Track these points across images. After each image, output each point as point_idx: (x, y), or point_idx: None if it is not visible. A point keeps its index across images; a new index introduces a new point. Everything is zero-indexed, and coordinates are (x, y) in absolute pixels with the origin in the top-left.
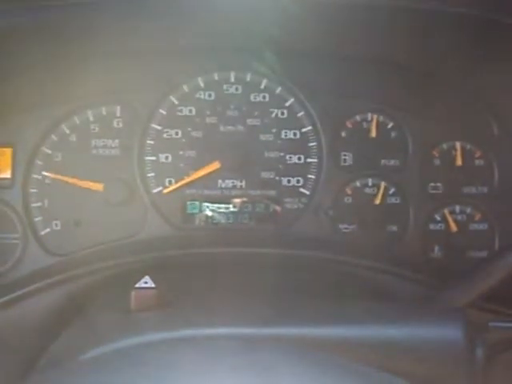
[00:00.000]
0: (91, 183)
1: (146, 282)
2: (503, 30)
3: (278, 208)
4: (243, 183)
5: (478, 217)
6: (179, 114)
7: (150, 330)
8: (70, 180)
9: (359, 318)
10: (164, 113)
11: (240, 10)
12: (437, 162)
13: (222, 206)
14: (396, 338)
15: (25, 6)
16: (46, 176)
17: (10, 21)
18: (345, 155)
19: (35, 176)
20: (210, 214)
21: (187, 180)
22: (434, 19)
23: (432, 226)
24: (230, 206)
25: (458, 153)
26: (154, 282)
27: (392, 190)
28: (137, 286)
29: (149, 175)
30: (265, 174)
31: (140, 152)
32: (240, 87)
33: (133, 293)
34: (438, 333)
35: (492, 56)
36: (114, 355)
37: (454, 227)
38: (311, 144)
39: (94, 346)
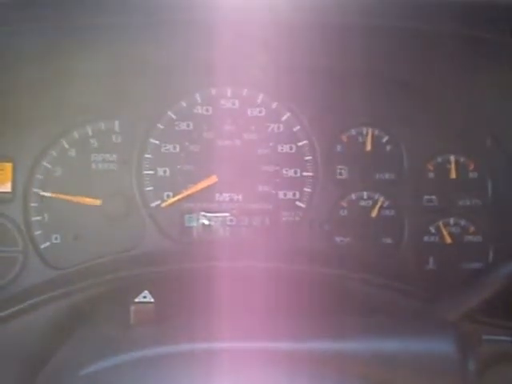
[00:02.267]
0: (88, 199)
1: (145, 297)
2: (496, 47)
3: (274, 221)
4: (240, 197)
5: (472, 229)
6: (177, 128)
7: (149, 345)
8: (68, 197)
9: (353, 331)
10: (162, 127)
11: (237, 25)
12: (431, 175)
13: (220, 219)
14: (389, 352)
15: (26, 26)
16: (44, 194)
17: (10, 39)
18: (340, 169)
19: (35, 190)
20: (207, 227)
21: (185, 194)
22: (428, 37)
23: (427, 239)
24: (228, 219)
25: (453, 166)
26: (153, 296)
27: (387, 203)
28: (136, 300)
29: (147, 189)
30: (261, 188)
31: (138, 166)
32: (237, 102)
33: (132, 307)
34: (432, 346)
35: (486, 71)
36: (114, 370)
37: (448, 239)
38: (307, 158)
39: (94, 361)
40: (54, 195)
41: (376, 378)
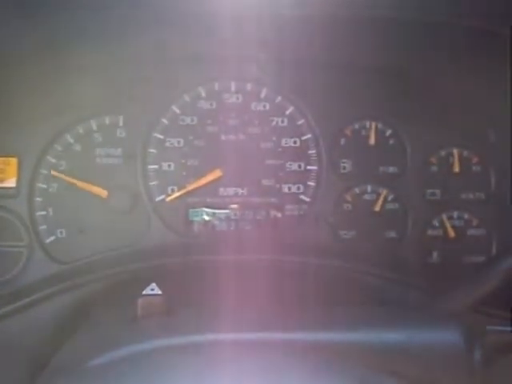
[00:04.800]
0: (96, 188)
1: (152, 289)
2: (500, 40)
3: (278, 215)
4: (244, 191)
5: (475, 222)
6: (181, 123)
7: (156, 337)
8: (76, 182)
9: (359, 322)
10: (166, 122)
11: (240, 19)
12: (434, 168)
13: (224, 213)
14: (395, 343)
15: (28, 22)
16: (53, 176)
17: (12, 35)
18: (344, 162)
19: (40, 185)
20: (211, 221)
21: (189, 188)
22: (432, 30)
23: (430, 232)
24: (232, 213)
25: (456, 159)
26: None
27: (391, 197)
28: (144, 293)
29: (152, 183)
30: (265, 182)
31: (143, 161)
32: (240, 96)
33: (139, 300)
34: (438, 337)
35: (490, 65)
36: (121, 362)
37: (451, 233)
38: (311, 152)
39: (100, 354)
40: (63, 177)
41: (382, 368)
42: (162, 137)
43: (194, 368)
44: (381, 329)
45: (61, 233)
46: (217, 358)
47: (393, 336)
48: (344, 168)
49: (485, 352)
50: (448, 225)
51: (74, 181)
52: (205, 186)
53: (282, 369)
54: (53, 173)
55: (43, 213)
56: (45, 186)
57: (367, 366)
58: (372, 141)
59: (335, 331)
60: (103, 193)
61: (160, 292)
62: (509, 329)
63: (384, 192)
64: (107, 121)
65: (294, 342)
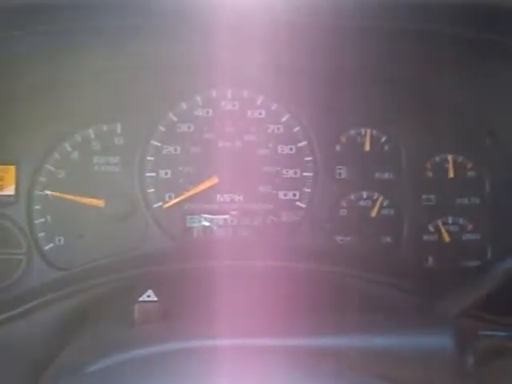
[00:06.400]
0: (92, 200)
1: (148, 296)
2: (495, 47)
3: (275, 221)
4: (241, 197)
5: (470, 227)
6: (178, 130)
7: (153, 342)
8: (72, 197)
9: (353, 327)
10: (163, 129)
11: (237, 27)
12: (429, 174)
13: (221, 219)
14: (389, 347)
15: (27, 30)
16: (48, 194)
17: (11, 43)
18: (340, 169)
19: (38, 193)
20: (209, 227)
21: (187, 195)
22: (425, 38)
23: (426, 237)
24: (229, 219)
25: (450, 165)
26: (156, 295)
27: (386, 203)
28: (140, 299)
29: (149, 191)
30: (262, 188)
31: (140, 168)
32: (237, 104)
33: (136, 306)
34: (430, 342)
35: (483, 71)
36: (119, 368)
37: (447, 238)
38: (307, 158)
39: (99, 359)
40: (58, 195)
41: (375, 372)
42: (159, 144)
43: (192, 374)
44: (373, 333)
45: (59, 240)
46: (214, 364)
47: (386, 340)
48: (339, 174)
49: (477, 357)
50: (443, 230)
51: (70, 196)
52: (202, 192)
53: (277, 374)
54: (47, 192)
55: (42, 220)
56: (43, 194)
57: (360, 370)
58: (367, 147)
59: (328, 336)
60: (99, 203)
61: (156, 299)
62: (501, 333)
63: (379, 198)
64: (105, 128)
65: (288, 347)
